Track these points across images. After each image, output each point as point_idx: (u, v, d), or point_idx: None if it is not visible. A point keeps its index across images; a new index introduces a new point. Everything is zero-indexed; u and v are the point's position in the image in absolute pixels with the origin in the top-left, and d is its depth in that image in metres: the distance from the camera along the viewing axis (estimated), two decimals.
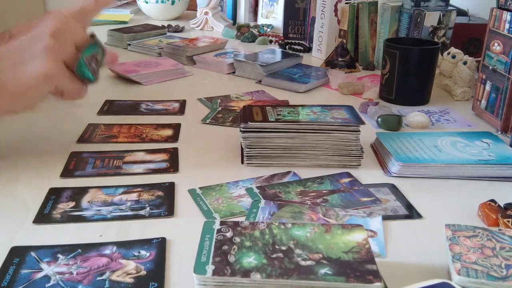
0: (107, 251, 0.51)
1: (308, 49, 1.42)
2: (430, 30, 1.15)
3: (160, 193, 0.63)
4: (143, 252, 0.51)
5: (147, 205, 0.60)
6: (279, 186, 0.65)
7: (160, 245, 0.52)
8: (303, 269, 0.42)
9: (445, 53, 1.08)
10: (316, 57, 1.37)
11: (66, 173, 0.68)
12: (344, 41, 1.27)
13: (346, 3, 1.29)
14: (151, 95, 1.01)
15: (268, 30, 1.60)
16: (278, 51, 1.32)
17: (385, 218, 0.58)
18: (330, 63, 1.23)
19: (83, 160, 0.71)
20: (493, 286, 0.41)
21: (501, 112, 0.84)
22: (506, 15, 0.82)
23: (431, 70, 0.98)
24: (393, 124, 0.84)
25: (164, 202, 0.60)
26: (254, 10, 1.77)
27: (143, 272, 0.48)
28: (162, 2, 1.78)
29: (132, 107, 0.94)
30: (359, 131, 0.70)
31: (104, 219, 0.57)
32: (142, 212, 0.58)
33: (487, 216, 0.57)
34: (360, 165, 0.71)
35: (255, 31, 1.58)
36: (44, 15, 0.63)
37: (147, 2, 1.79)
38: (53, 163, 0.70)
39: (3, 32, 0.63)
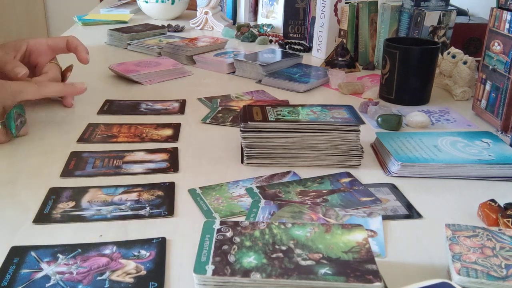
0: (107, 251, 0.51)
1: (308, 49, 1.42)
2: (430, 30, 1.15)
3: (160, 193, 0.63)
4: (143, 252, 0.51)
5: (147, 205, 0.60)
6: (279, 186, 0.65)
7: (160, 245, 0.52)
8: (303, 269, 0.42)
9: (445, 53, 1.08)
10: (316, 56, 1.37)
11: (66, 173, 0.68)
12: (344, 40, 1.27)
13: (346, 3, 1.29)
14: (151, 95, 1.01)
15: (268, 29, 1.60)
16: (278, 50, 1.32)
17: (385, 218, 0.58)
18: (330, 62, 1.23)
19: (83, 160, 0.71)
20: (493, 286, 0.41)
21: (501, 112, 0.84)
22: (506, 15, 0.82)
23: (431, 70, 0.98)
24: (393, 124, 0.84)
25: (164, 202, 0.60)
26: (254, 9, 1.77)
27: (143, 272, 0.48)
28: (162, 1, 1.78)
29: (132, 107, 0.94)
30: (359, 130, 0.70)
31: (104, 219, 0.57)
32: (142, 212, 0.58)
33: (487, 216, 0.57)
34: (360, 165, 0.71)
35: (255, 31, 1.58)
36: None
37: (147, 2, 1.78)
38: (53, 163, 0.70)
39: None
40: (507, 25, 0.82)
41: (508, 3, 0.82)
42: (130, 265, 0.49)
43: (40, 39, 0.94)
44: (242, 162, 0.72)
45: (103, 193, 0.62)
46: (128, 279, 0.47)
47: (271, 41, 1.52)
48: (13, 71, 0.83)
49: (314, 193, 0.63)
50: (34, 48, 0.92)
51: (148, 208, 0.59)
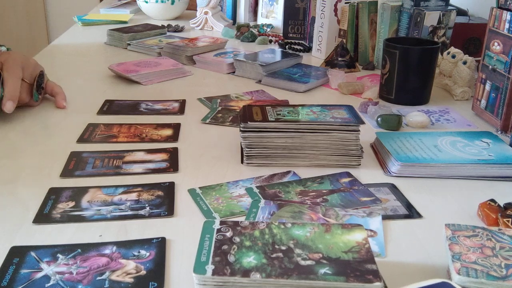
0: (107, 251, 0.51)
1: (308, 49, 1.42)
2: (430, 29, 1.15)
3: (160, 193, 0.63)
4: (143, 252, 0.51)
5: (147, 205, 0.60)
6: (279, 186, 0.65)
7: (160, 245, 0.52)
8: (303, 269, 0.42)
9: (445, 53, 1.08)
10: (316, 56, 1.37)
11: (66, 173, 0.68)
12: (344, 40, 1.27)
13: (346, 3, 1.29)
14: (151, 95, 1.01)
15: (268, 29, 1.60)
16: (278, 50, 1.32)
17: (385, 217, 0.58)
18: (330, 62, 1.23)
19: (83, 160, 0.71)
20: (493, 285, 0.41)
21: (501, 111, 0.84)
22: (506, 15, 0.82)
23: (431, 70, 0.98)
24: (393, 124, 0.84)
25: (164, 202, 0.60)
26: (254, 9, 1.77)
27: (143, 272, 0.48)
28: (162, 1, 1.78)
29: (132, 107, 0.94)
30: (359, 130, 0.70)
31: (104, 219, 0.57)
32: (142, 212, 0.58)
33: (487, 216, 0.57)
34: (360, 164, 0.71)
35: (255, 31, 1.57)
36: None
37: (147, 2, 1.78)
38: (53, 163, 0.70)
39: None
40: (507, 25, 0.82)
41: (508, 3, 0.82)
42: (130, 265, 0.49)
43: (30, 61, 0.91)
44: (242, 162, 0.72)
45: (103, 193, 0.62)
46: (128, 279, 0.47)
47: (271, 41, 1.52)
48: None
49: (314, 193, 0.63)
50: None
51: (148, 208, 0.59)
